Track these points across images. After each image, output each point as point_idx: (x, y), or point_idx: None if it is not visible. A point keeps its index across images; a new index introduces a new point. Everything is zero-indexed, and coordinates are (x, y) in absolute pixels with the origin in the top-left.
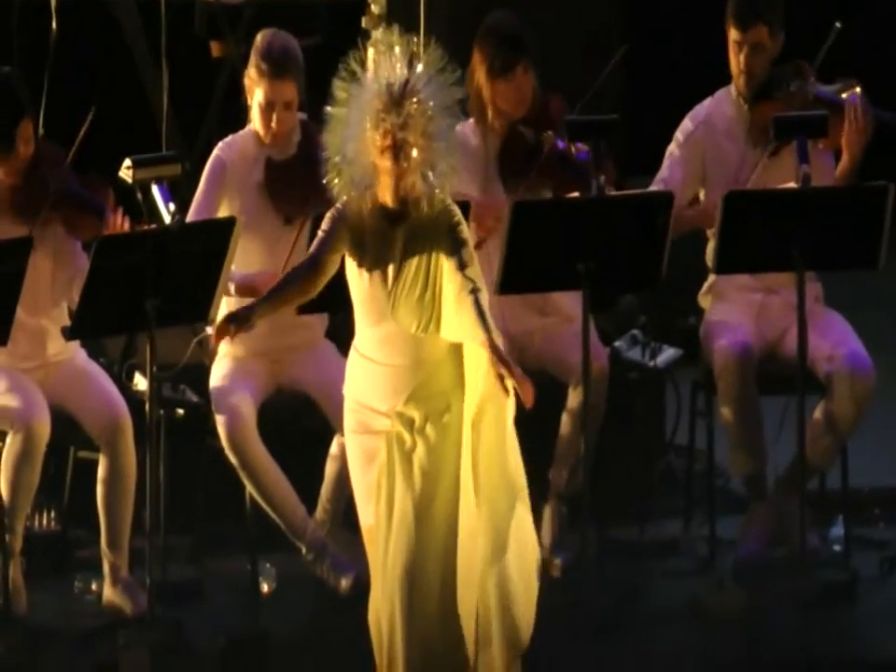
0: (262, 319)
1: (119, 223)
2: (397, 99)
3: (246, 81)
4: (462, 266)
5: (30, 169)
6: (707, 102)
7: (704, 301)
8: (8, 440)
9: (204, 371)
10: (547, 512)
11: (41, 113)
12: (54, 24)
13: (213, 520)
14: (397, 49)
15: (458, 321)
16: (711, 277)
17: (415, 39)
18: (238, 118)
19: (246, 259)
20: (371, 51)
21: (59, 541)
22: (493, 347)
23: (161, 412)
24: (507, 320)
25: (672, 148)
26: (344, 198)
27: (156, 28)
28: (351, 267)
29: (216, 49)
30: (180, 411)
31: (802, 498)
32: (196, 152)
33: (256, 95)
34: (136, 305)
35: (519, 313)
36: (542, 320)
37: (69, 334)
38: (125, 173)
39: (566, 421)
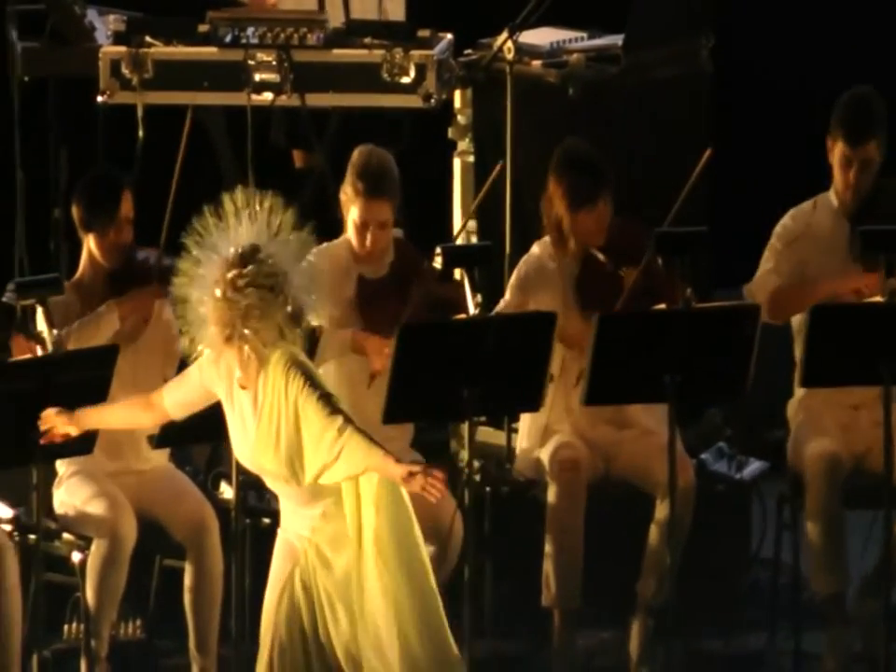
0: (86, 425)
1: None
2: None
3: (342, 196)
4: (324, 407)
5: (129, 255)
6: (808, 208)
7: (791, 413)
8: (94, 546)
9: None
10: (634, 625)
11: None
12: (141, 132)
13: None
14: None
15: (347, 461)
16: (798, 389)
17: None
18: (326, 228)
19: (341, 370)
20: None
21: (145, 649)
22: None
23: (247, 520)
24: (585, 431)
25: (774, 243)
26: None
27: (242, 135)
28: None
29: (298, 158)
30: (266, 519)
31: (887, 615)
32: None
33: (351, 213)
34: (220, 414)
35: (595, 424)
36: (621, 433)
37: (157, 442)
38: None
39: (653, 533)
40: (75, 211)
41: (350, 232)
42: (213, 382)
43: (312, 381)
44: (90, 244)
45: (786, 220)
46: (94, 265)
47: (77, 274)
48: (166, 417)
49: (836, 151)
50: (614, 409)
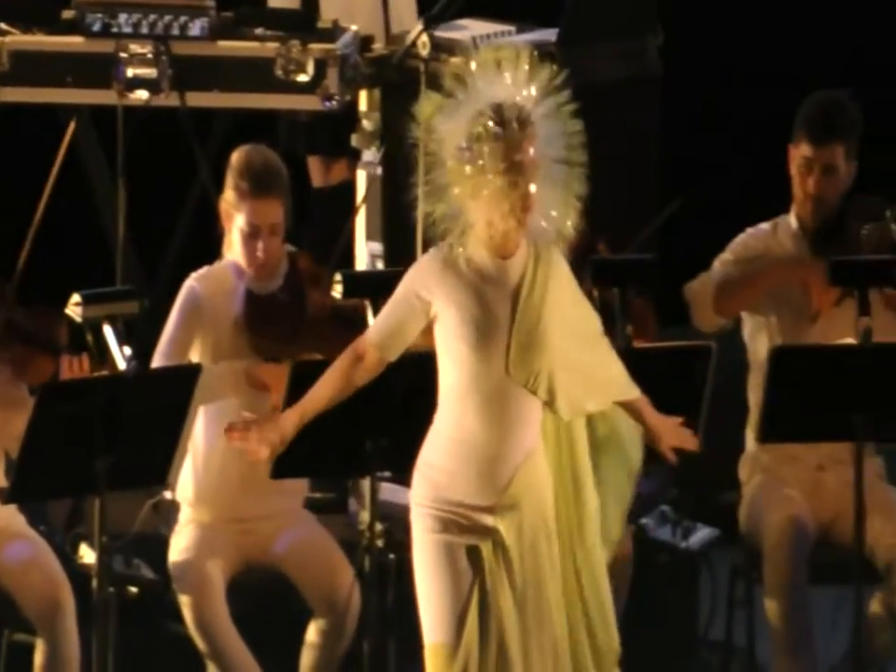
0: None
1: (77, 366)
2: (510, 128)
3: (223, 206)
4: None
5: None
6: (767, 229)
7: (744, 473)
8: None
9: (161, 543)
10: None
11: None
12: None
13: None
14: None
15: (605, 373)
16: (751, 446)
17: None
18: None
19: (221, 406)
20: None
21: None
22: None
23: (111, 589)
24: None
25: (726, 256)
26: (440, 250)
27: (113, 141)
28: (447, 329)
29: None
30: (133, 588)
31: None
32: (158, 287)
33: (236, 222)
34: (84, 465)
35: None
36: None
37: (7, 497)
38: (73, 310)
39: None
40: None
41: (236, 246)
42: (440, 288)
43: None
44: None
45: (744, 238)
46: None
47: None
48: (383, 365)
49: (797, 156)
50: None
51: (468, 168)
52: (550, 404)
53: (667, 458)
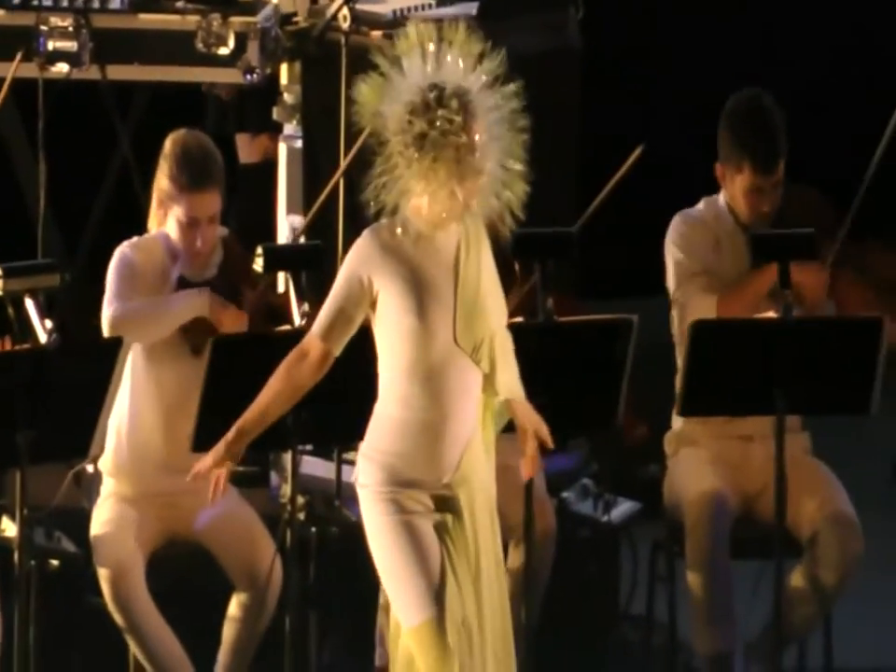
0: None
1: (0, 347)
2: (467, 112)
3: (156, 193)
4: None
5: None
6: (699, 215)
7: (669, 446)
8: None
9: (83, 516)
10: None
11: None
12: None
13: None
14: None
15: (506, 370)
16: (678, 420)
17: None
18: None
19: (148, 380)
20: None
21: None
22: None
23: (33, 562)
24: None
25: (678, 257)
26: (376, 230)
27: (33, 114)
28: (390, 305)
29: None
30: (54, 562)
31: None
32: (78, 260)
33: (174, 211)
34: (5, 438)
35: None
36: None
37: None
38: None
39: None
40: None
41: (174, 233)
42: (381, 266)
43: None
44: None
45: (683, 228)
46: None
47: None
48: (329, 360)
49: (739, 181)
50: None
51: (424, 151)
52: (490, 378)
53: (546, 444)
